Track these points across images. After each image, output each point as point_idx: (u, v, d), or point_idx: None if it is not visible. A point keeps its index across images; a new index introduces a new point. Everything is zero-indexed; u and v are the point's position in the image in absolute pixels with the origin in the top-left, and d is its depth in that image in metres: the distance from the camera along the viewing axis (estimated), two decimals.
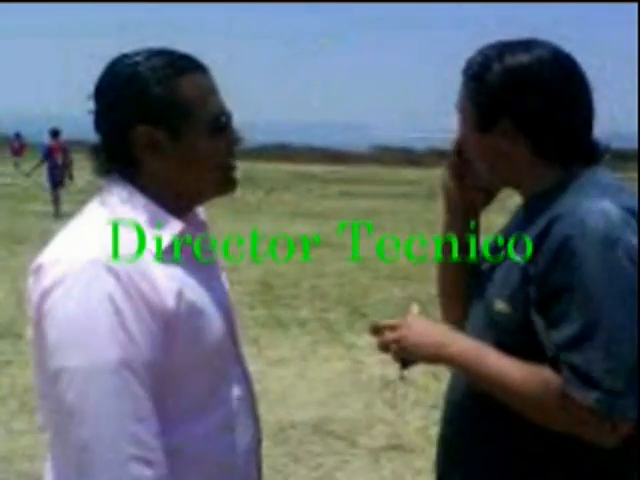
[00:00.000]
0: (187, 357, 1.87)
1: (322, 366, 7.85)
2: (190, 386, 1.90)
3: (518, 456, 2.03)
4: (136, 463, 1.74)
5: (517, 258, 1.99)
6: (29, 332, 1.90)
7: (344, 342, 8.66)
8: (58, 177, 20.43)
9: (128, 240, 1.85)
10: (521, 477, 2.04)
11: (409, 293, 10.35)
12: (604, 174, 2.04)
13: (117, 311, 1.76)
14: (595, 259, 1.84)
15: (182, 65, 1.94)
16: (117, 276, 1.77)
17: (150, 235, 1.88)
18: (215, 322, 1.94)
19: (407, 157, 57.70)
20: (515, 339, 1.97)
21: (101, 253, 1.79)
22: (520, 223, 2.09)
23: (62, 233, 1.92)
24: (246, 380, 2.08)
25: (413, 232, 17.56)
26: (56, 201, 19.37)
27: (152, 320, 1.79)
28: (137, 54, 1.95)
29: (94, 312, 1.75)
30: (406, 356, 2.09)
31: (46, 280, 1.80)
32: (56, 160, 20.74)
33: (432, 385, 6.78)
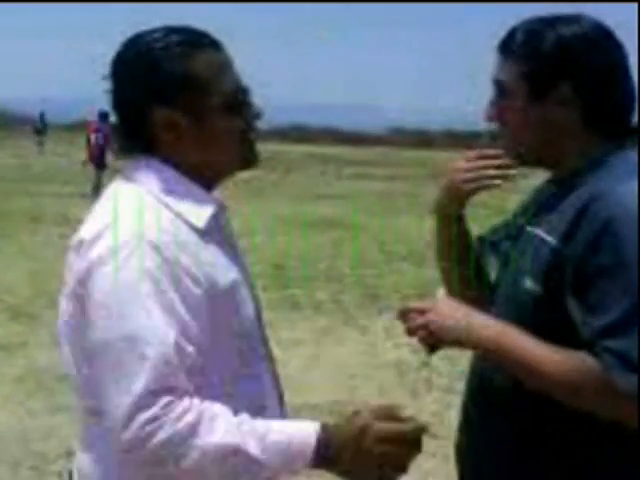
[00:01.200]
0: (226, 333, 1.89)
1: (336, 349, 7.85)
2: (227, 361, 1.91)
3: (546, 437, 2.01)
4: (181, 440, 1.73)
5: (548, 238, 1.96)
6: (64, 307, 1.91)
7: (359, 325, 8.67)
8: (102, 159, 20.27)
9: (167, 216, 1.87)
10: (550, 459, 2.02)
11: (425, 276, 10.32)
12: (634, 155, 2.02)
13: (158, 287, 1.76)
14: (638, 242, 1.81)
15: (196, 42, 1.93)
16: (159, 251, 1.78)
17: (188, 210, 1.90)
18: (247, 299, 1.97)
19: (422, 139, 57.52)
20: (544, 319, 1.96)
21: (143, 228, 1.81)
22: (550, 201, 2.06)
23: (97, 209, 1.93)
24: (272, 360, 2.10)
25: (427, 214, 17.49)
26: (98, 183, 19.05)
27: (194, 294, 1.80)
28: (152, 32, 1.94)
29: (137, 286, 1.77)
30: (434, 340, 2.07)
31: (90, 255, 1.82)
32: (99, 141, 20.74)
33: (447, 369, 6.78)
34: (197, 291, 1.81)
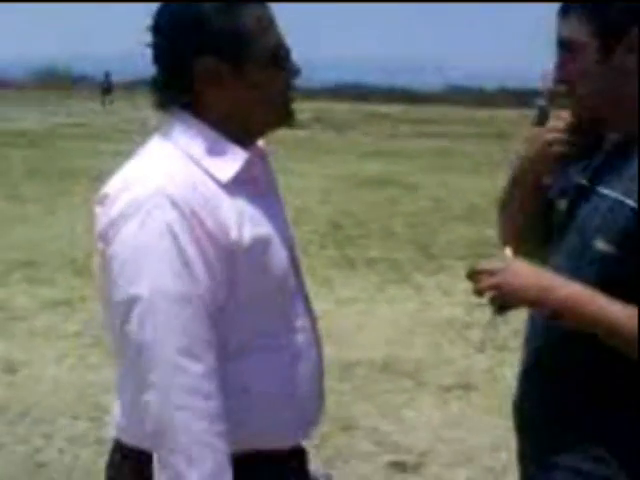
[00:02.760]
0: (252, 289, 1.90)
1: (390, 306, 7.88)
2: (254, 318, 1.93)
3: (606, 398, 2.03)
4: (184, 394, 1.78)
5: (627, 200, 1.96)
6: (95, 261, 1.95)
7: (412, 283, 8.68)
8: None
9: (193, 170, 1.88)
10: (612, 418, 2.03)
11: (480, 235, 10.30)
12: None
13: (177, 244, 1.78)
14: None
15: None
16: (179, 207, 1.79)
17: (215, 164, 1.90)
18: (279, 253, 1.96)
19: (480, 97, 56.82)
20: (622, 281, 1.95)
21: (164, 183, 1.82)
22: (616, 161, 2.05)
23: (128, 164, 1.95)
24: (309, 313, 2.10)
25: (485, 173, 17.43)
26: None
27: (214, 252, 1.82)
28: None
29: (154, 243, 1.79)
30: (505, 302, 2.06)
31: (112, 210, 1.85)
32: None
33: (501, 327, 6.78)
34: (214, 248, 1.82)
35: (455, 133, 29.65)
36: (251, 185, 1.95)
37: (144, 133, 2.03)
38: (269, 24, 1.96)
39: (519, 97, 46.80)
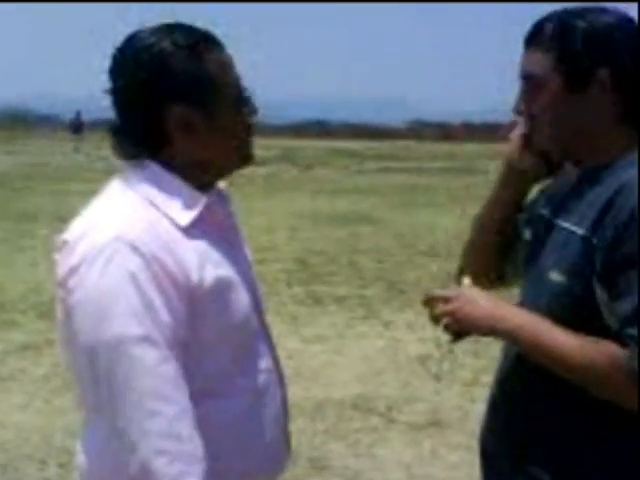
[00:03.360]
0: (214, 330, 1.90)
1: (359, 343, 7.85)
2: (217, 359, 1.92)
3: (574, 430, 2.02)
4: (158, 439, 1.76)
5: (577, 229, 1.97)
6: (57, 309, 1.93)
7: (381, 319, 8.66)
8: None
9: (153, 215, 1.87)
10: (576, 452, 2.02)
11: (447, 269, 10.29)
12: None
13: (139, 288, 1.78)
14: None
15: (205, 41, 1.93)
16: (140, 253, 1.79)
17: (174, 209, 1.89)
18: (241, 295, 1.96)
19: (443, 132, 57.33)
20: (571, 310, 1.96)
21: (124, 229, 1.81)
22: (578, 193, 2.05)
23: (87, 209, 1.93)
24: (272, 353, 2.10)
25: (451, 208, 17.50)
26: None
27: (177, 296, 1.82)
28: (155, 31, 1.92)
29: (116, 290, 1.78)
30: (459, 329, 2.08)
31: (71, 258, 1.83)
32: None
33: (470, 362, 6.78)
34: (175, 289, 1.81)
35: (420, 168, 29.80)
36: (212, 228, 1.95)
37: (108, 173, 2.01)
38: (229, 67, 1.97)
39: (483, 131, 47.27)
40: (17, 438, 5.56)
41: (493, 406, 2.24)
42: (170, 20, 1.97)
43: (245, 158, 2.03)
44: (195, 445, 1.79)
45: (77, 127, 42.29)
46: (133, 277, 1.77)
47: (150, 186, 1.91)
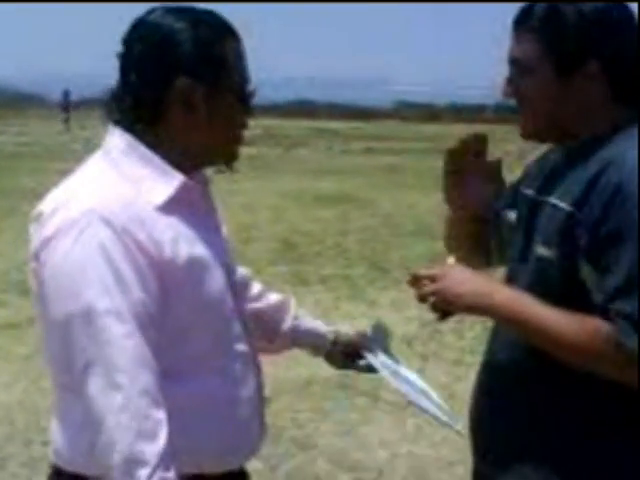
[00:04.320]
0: (187, 309, 1.89)
1: (344, 323, 7.84)
2: (191, 339, 1.92)
3: (564, 409, 2.02)
4: (116, 414, 1.74)
5: (561, 204, 1.97)
6: (31, 283, 1.92)
7: (366, 299, 8.68)
8: None
9: (128, 190, 1.87)
10: (566, 431, 2.03)
11: (432, 249, 10.30)
12: None
13: (109, 260, 1.77)
14: None
15: (226, 28, 1.95)
16: (111, 225, 1.78)
17: (150, 186, 1.89)
18: (215, 276, 1.95)
19: (428, 112, 57.25)
20: (557, 285, 1.96)
21: (97, 202, 1.81)
22: (562, 169, 2.06)
23: (65, 182, 1.94)
24: (247, 334, 2.08)
25: (435, 188, 17.50)
26: None
27: (149, 270, 1.81)
28: (180, 8, 1.95)
29: (85, 261, 1.77)
30: (446, 307, 2.08)
31: (45, 229, 1.84)
32: None
33: (455, 342, 6.80)
34: (147, 263, 1.81)
35: (405, 149, 29.77)
36: (188, 208, 1.94)
37: (89, 152, 2.00)
38: (241, 59, 1.98)
39: (469, 112, 47.30)
40: (1, 417, 5.56)
41: (485, 391, 2.23)
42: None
43: (230, 156, 2.05)
44: (155, 423, 1.76)
45: (65, 106, 42.13)
46: (103, 248, 1.77)
47: (129, 162, 1.91)
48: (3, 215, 13.53)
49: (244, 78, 1.98)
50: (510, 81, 2.09)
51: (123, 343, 1.76)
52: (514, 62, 2.07)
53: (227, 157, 2.04)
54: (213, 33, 1.92)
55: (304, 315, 2.51)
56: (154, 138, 1.93)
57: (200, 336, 1.93)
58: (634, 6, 2.20)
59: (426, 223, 13.07)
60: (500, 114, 37.44)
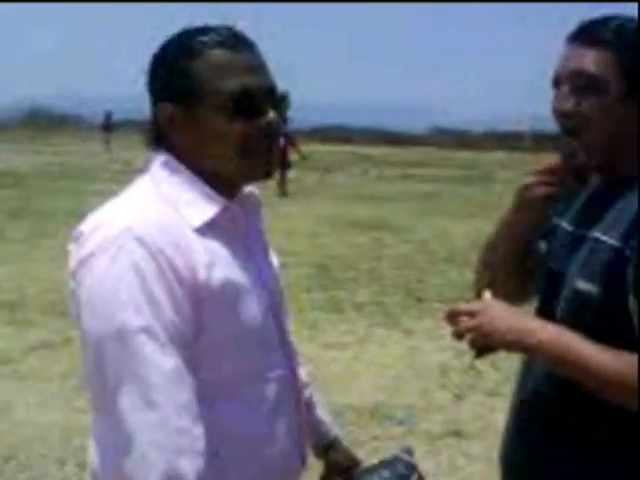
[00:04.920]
0: (222, 333, 1.87)
1: (378, 350, 7.82)
2: (223, 363, 1.89)
3: (593, 445, 1.99)
4: (151, 431, 1.74)
5: (606, 238, 1.93)
6: (70, 303, 1.93)
7: (401, 327, 8.62)
8: (284, 159, 22.16)
9: (167, 213, 1.86)
10: (597, 467, 1.99)
11: (467, 277, 10.25)
12: None
13: (142, 280, 1.77)
14: None
15: (207, 41, 1.89)
16: (146, 245, 1.78)
17: (189, 209, 1.88)
18: (252, 301, 1.93)
19: (464, 140, 57.09)
20: (592, 318, 1.93)
21: (133, 223, 1.81)
22: (601, 203, 2.02)
23: (108, 203, 1.94)
24: (289, 363, 2.05)
25: (471, 215, 17.45)
26: (282, 181, 21.51)
27: (182, 292, 1.80)
28: (180, 31, 1.95)
29: (119, 281, 1.77)
30: (485, 344, 2.02)
31: (83, 249, 1.84)
32: (281, 143, 22.73)
33: (490, 373, 6.74)
34: (181, 286, 1.80)
35: (441, 176, 29.72)
36: (229, 232, 1.93)
37: (129, 173, 2.02)
38: (233, 69, 1.89)
39: (505, 140, 47.15)
40: (36, 437, 5.57)
41: (517, 425, 2.20)
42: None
43: (250, 171, 1.94)
44: (193, 439, 1.76)
45: (107, 127, 42.63)
46: (137, 268, 1.77)
47: (170, 185, 1.91)
48: (40, 236, 13.64)
49: (233, 88, 1.87)
50: (571, 98, 2.00)
51: (157, 361, 1.76)
52: (580, 76, 1.98)
53: (243, 174, 1.95)
54: (181, 51, 1.89)
55: (317, 402, 2.42)
56: (181, 160, 1.94)
57: (234, 361, 1.92)
58: (634, 6, 2.16)
59: (461, 251, 13.04)
60: (537, 142, 37.30)
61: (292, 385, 2.06)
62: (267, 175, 1.95)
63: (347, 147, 46.21)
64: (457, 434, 5.76)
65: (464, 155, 43.12)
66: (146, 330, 1.76)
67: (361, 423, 5.95)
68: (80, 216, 1.95)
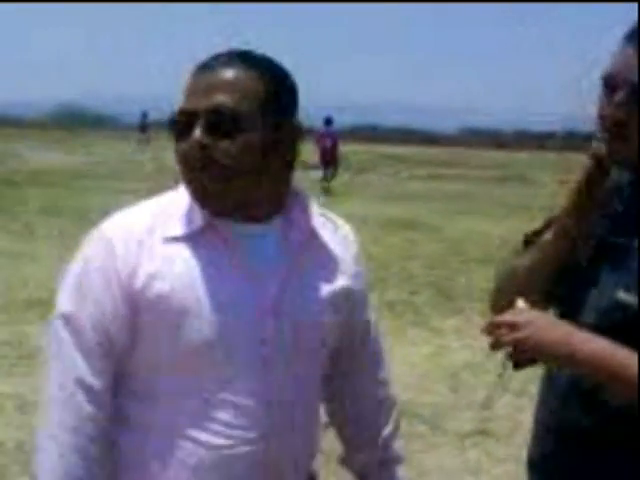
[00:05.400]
0: (163, 354, 1.85)
1: (408, 349, 7.81)
2: (164, 377, 1.86)
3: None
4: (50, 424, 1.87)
5: None
6: None
7: (430, 325, 8.62)
8: (330, 158, 23.82)
9: (148, 220, 1.86)
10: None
11: (492, 277, 10.15)
12: None
13: (84, 271, 1.87)
14: None
15: (200, 65, 1.85)
16: (103, 242, 1.85)
17: (171, 221, 1.86)
18: (206, 324, 1.82)
19: (494, 140, 56.88)
20: (629, 329, 1.85)
21: (111, 222, 1.89)
22: (634, 208, 1.96)
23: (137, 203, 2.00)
24: (265, 408, 1.87)
25: (504, 216, 17.38)
26: (326, 178, 23.30)
27: (118, 293, 1.83)
28: None
29: (71, 268, 1.91)
30: (526, 356, 1.92)
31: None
32: (328, 144, 24.02)
33: (519, 372, 6.70)
34: (122, 290, 1.82)
35: (471, 176, 29.62)
36: (214, 249, 1.86)
37: (162, 173, 2.03)
38: (186, 92, 1.84)
39: (535, 140, 46.90)
40: None
41: (547, 435, 2.11)
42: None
43: (192, 188, 1.85)
44: (80, 440, 1.83)
45: (143, 127, 42.93)
46: (86, 259, 1.87)
47: (174, 195, 1.93)
48: (72, 234, 13.70)
49: (178, 108, 1.83)
50: (623, 106, 1.91)
51: (69, 350, 1.84)
52: (627, 81, 1.90)
53: (189, 192, 1.87)
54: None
55: None
56: None
57: (178, 377, 1.86)
58: (634, 6, 2.13)
59: (492, 251, 12.99)
60: (568, 142, 37.09)
61: (260, 434, 1.87)
62: (203, 195, 1.83)
63: (378, 147, 46.13)
64: (485, 433, 5.75)
65: (495, 155, 42.95)
66: (70, 318, 1.84)
67: None
68: (111, 215, 1.97)
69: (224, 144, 1.78)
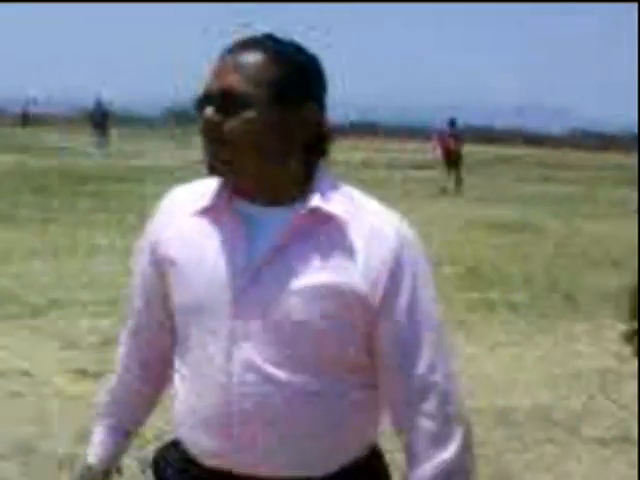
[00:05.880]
0: (174, 302, 2.05)
1: (536, 352, 7.67)
2: (176, 330, 2.07)
3: None
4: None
5: None
6: None
7: (558, 329, 8.45)
8: (453, 157, 24.24)
9: (186, 195, 2.05)
10: None
11: (621, 281, 9.93)
12: None
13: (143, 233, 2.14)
14: None
15: (228, 48, 1.93)
16: (158, 208, 2.10)
17: (196, 199, 2.00)
18: (197, 281, 1.96)
19: (604, 141, 55.75)
20: None
21: (170, 193, 2.11)
22: None
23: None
24: (238, 353, 1.92)
25: (618, 219, 17.07)
26: (458, 181, 23.59)
27: (147, 250, 2.09)
28: None
29: None
30: None
31: None
32: (449, 144, 24.62)
33: None
34: (150, 244, 2.08)
35: (586, 178, 29.12)
36: (215, 227, 1.97)
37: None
38: (212, 72, 1.91)
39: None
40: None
41: None
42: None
43: (207, 169, 1.96)
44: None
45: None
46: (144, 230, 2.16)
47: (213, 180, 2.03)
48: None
49: (205, 86, 1.92)
50: None
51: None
52: None
53: (210, 174, 1.96)
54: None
55: None
56: None
57: (180, 331, 2.05)
58: (634, 6, 2.01)
59: (612, 254, 12.77)
60: None
61: (227, 374, 1.94)
62: (210, 170, 1.93)
63: (488, 147, 45.70)
64: (627, 441, 5.60)
65: (606, 157, 42.17)
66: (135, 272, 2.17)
67: (525, 426, 5.84)
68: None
69: (231, 122, 1.86)
